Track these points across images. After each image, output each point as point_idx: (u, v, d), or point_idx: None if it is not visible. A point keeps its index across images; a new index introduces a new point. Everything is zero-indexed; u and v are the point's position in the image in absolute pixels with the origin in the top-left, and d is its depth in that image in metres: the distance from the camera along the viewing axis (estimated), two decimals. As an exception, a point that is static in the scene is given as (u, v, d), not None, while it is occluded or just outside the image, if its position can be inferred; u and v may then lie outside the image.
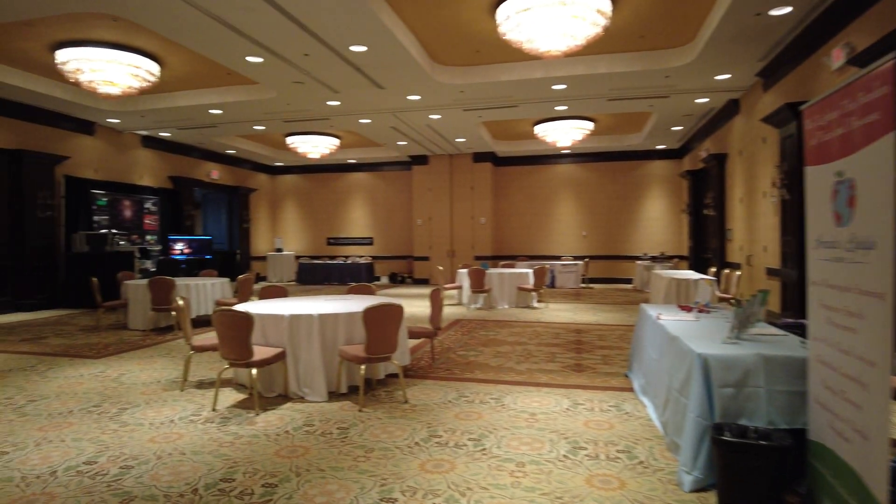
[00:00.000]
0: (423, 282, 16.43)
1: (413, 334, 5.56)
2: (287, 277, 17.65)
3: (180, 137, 13.71)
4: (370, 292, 6.46)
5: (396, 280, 17.12)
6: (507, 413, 4.18)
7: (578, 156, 16.15)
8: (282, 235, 18.86)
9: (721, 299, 8.40)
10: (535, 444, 3.57)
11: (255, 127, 12.75)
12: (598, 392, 4.77)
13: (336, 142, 14.31)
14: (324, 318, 4.65)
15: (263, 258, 18.01)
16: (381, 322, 4.37)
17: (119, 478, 3.11)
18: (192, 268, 12.83)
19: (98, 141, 12.05)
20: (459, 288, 11.19)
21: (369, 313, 4.31)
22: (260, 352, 4.45)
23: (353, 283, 6.77)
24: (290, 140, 13.92)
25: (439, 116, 11.59)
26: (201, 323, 7.99)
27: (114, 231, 11.78)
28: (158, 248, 13.47)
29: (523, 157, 16.43)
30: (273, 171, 18.76)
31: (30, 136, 10.56)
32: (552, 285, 14.59)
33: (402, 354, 5.15)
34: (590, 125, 12.52)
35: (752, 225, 9.13)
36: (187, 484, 3.02)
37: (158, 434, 3.79)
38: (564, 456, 3.37)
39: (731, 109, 10.19)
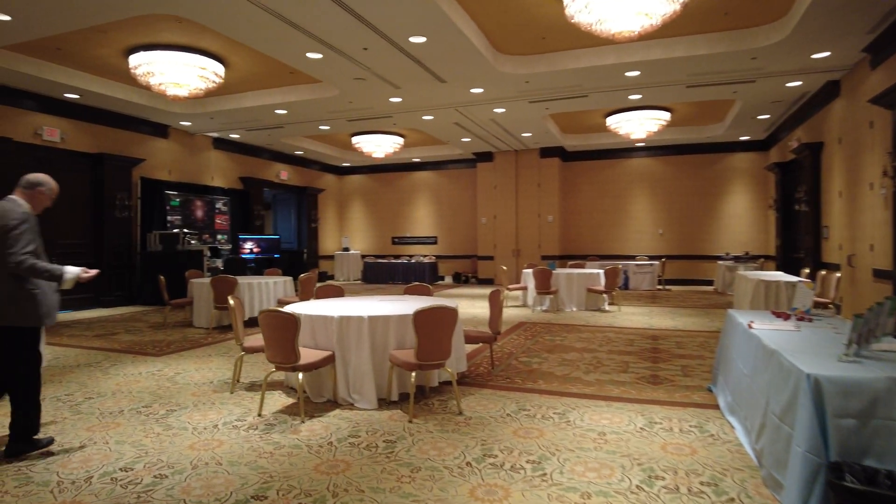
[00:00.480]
0: (487, 282, 16.03)
1: (470, 339, 5.20)
2: (353, 276, 17.78)
3: (249, 139, 14.00)
4: (427, 293, 6.15)
5: (460, 280, 16.81)
6: (572, 431, 3.73)
7: (654, 149, 15.23)
8: (349, 235, 19.02)
9: (817, 304, 7.49)
10: (604, 470, 3.11)
11: (321, 127, 12.80)
12: (678, 409, 4.22)
13: (400, 140, 14.18)
14: (373, 321, 4.37)
15: (331, 257, 18.22)
16: (433, 326, 4.03)
17: (150, 488, 2.93)
18: (262, 266, 13.07)
19: (172, 143, 12.48)
20: (524, 289, 10.72)
21: (420, 317, 3.98)
22: (307, 355, 4.23)
23: (410, 284, 6.48)
24: (355, 140, 13.93)
25: (503, 110, 11.15)
26: (262, 322, 7.96)
27: (185, 230, 12.14)
28: (229, 247, 13.83)
29: (594, 152, 15.69)
30: (340, 171, 18.94)
31: (109, 140, 11.04)
32: (625, 287, 13.80)
33: (457, 361, 4.81)
34: (666, 115, 11.70)
35: (855, 221, 8.12)
36: (217, 500, 2.79)
37: (199, 440, 3.62)
38: (638, 487, 2.90)
39: (829, 92, 9.15)
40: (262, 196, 15.42)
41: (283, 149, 15.50)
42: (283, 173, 16.28)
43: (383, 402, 4.36)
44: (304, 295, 8.14)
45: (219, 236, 13.70)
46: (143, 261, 11.24)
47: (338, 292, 6.34)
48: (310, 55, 7.92)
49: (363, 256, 18.03)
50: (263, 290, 8.62)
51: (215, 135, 13.48)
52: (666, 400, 4.45)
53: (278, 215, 18.00)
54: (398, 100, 10.35)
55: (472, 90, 9.77)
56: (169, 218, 12.18)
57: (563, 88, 9.69)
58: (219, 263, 12.50)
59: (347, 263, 17.96)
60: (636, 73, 8.82)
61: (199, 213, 13.15)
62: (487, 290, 13.32)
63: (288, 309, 4.77)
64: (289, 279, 9.25)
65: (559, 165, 15.56)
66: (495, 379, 5.14)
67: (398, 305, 4.90)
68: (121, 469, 3.18)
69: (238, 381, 5.10)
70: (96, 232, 10.75)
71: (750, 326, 3.65)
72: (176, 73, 8.23)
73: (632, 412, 4.14)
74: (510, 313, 9.61)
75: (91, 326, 8.47)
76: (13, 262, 3.25)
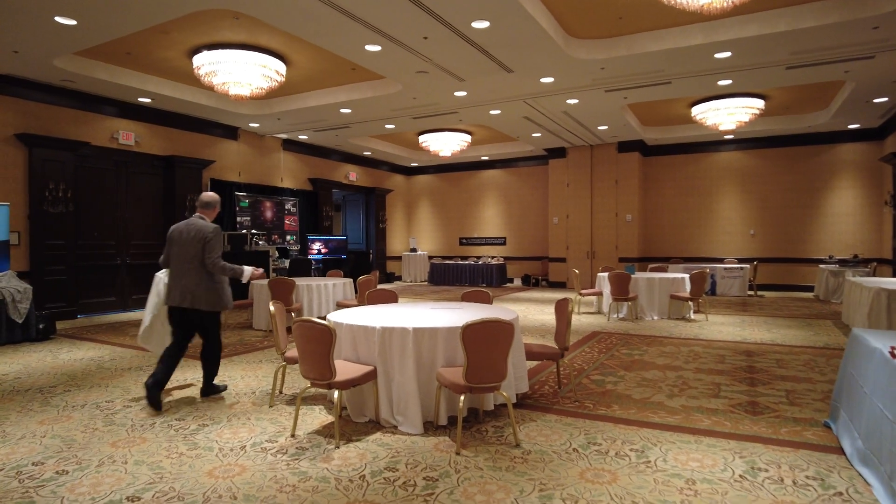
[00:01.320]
0: (559, 285, 15.22)
1: (533, 355, 4.57)
2: (420, 277, 17.49)
3: (318, 140, 13.97)
4: (486, 300, 5.57)
5: (530, 283, 16.08)
6: (652, 476, 3.05)
7: (745, 141, 13.87)
8: (416, 235, 18.75)
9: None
10: (695, 537, 2.43)
11: (386, 126, 12.52)
12: (787, 450, 3.42)
13: (467, 138, 13.68)
14: (419, 333, 3.85)
15: (399, 258, 18.02)
16: (485, 343, 3.46)
17: (151, 527, 2.56)
18: (328, 267, 13.00)
19: (241, 145, 12.60)
20: (599, 294, 9.89)
21: (469, 332, 3.42)
22: (346, 370, 3.78)
23: (469, 289, 5.93)
24: (421, 139, 13.59)
25: (577, 101, 10.37)
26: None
27: (254, 231, 12.21)
28: (297, 247, 13.85)
29: (678, 145, 14.50)
30: (408, 171, 18.71)
31: (181, 142, 11.24)
32: (712, 292, 12.60)
33: (516, 380, 4.21)
34: (759, 104, 10.52)
35: None
36: (217, 550, 2.37)
37: (221, 465, 3.24)
38: (743, 568, 2.21)
39: (968, 68, 7.78)
40: (330, 197, 15.38)
41: (352, 150, 15.41)
42: (352, 174, 16.20)
43: (430, 426, 3.84)
44: (361, 298, 7.80)
45: (288, 237, 13.75)
46: (211, 261, 11.36)
47: (390, 297, 5.90)
48: (368, 48, 7.56)
49: (430, 257, 17.69)
50: (322, 292, 8.38)
51: (284, 136, 13.53)
52: (770, 437, 3.65)
53: (347, 216, 18.00)
54: (463, 94, 9.85)
55: (542, 80, 9.09)
56: (238, 219, 12.30)
57: (642, 75, 8.82)
58: (286, 264, 12.51)
59: (415, 264, 17.69)
60: (727, 53, 7.84)
61: (269, 214, 13.23)
62: (558, 295, 12.53)
63: (331, 317, 4.37)
64: (349, 281, 8.97)
65: (639, 160, 14.50)
66: (562, 402, 4.49)
67: (450, 315, 4.37)
68: (128, 498, 2.84)
69: (280, 392, 4.77)
70: (167, 233, 10.94)
71: (893, 354, 2.83)
72: (238, 72, 8.11)
73: (727, 452, 3.39)
74: (583, 321, 8.86)
75: (157, 326, 8.51)
76: (210, 262, 4.40)
